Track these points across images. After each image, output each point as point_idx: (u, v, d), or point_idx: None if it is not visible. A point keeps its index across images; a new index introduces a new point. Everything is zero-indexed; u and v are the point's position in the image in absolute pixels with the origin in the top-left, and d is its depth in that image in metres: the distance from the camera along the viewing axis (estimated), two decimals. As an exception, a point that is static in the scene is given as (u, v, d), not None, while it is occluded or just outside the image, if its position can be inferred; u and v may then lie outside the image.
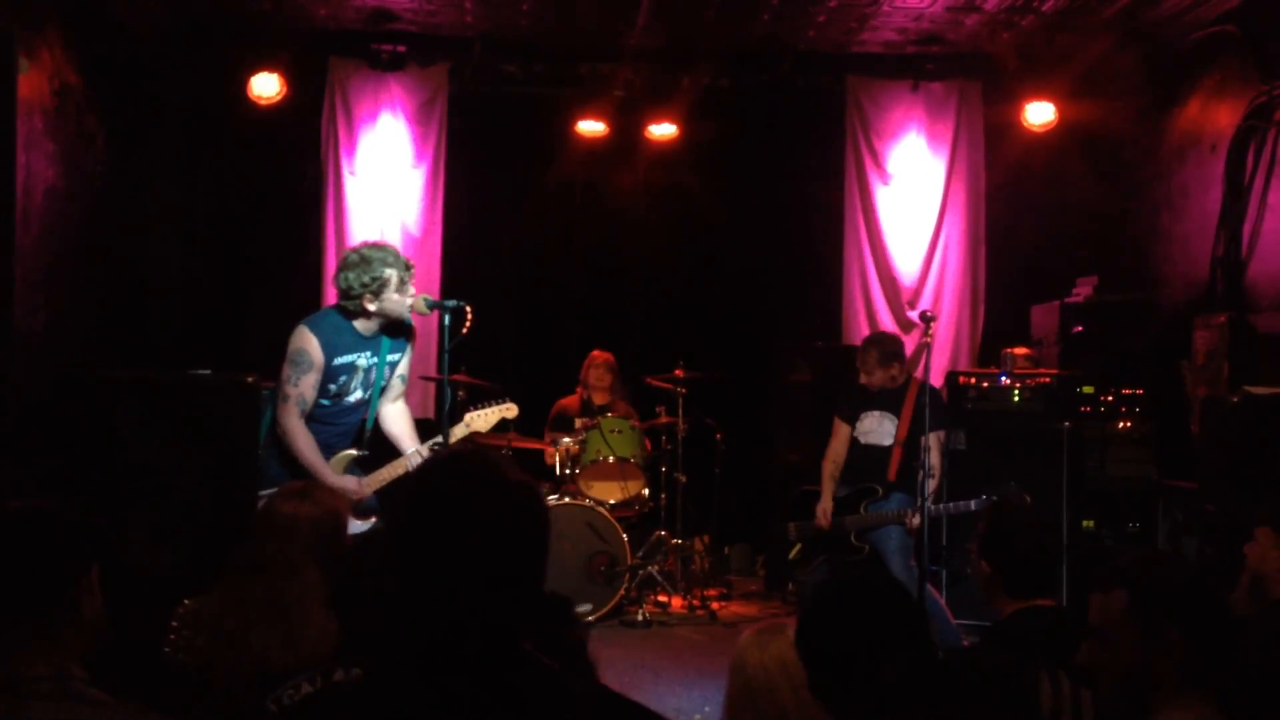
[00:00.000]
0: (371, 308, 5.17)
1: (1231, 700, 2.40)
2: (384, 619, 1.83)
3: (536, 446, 8.16)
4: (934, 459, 6.39)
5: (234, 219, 8.71)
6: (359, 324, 5.23)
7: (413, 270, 5.32)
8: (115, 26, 7.45)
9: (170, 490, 4.58)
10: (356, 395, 5.32)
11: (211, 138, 8.53)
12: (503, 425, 7.73)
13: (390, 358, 5.39)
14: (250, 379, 4.86)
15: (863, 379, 6.85)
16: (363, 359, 5.26)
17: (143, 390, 4.79)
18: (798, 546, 6.96)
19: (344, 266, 5.21)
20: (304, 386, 5.11)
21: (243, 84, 8.01)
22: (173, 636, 3.22)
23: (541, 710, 1.75)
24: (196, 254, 8.69)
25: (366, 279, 5.13)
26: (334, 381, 5.20)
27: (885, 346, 6.89)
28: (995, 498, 6.43)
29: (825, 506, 6.77)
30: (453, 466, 1.90)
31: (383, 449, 5.56)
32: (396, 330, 5.37)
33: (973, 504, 6.44)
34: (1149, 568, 2.55)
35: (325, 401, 5.22)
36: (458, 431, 5.59)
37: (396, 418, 5.55)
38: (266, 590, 3.21)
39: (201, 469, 4.67)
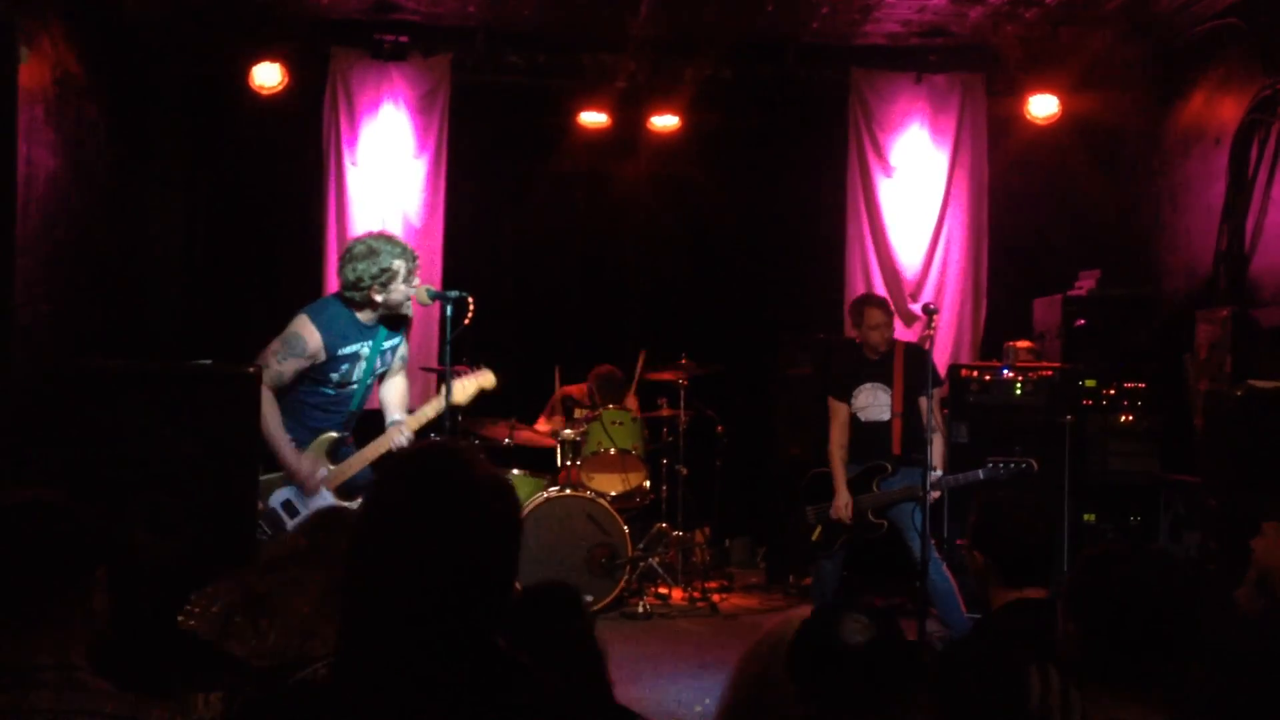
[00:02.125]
0: (379, 299, 5.17)
1: (1186, 705, 2.36)
2: (347, 617, 1.79)
3: (535, 440, 8.16)
4: (936, 418, 6.43)
5: (235, 209, 8.70)
6: (361, 315, 5.23)
7: (418, 261, 5.32)
8: (117, 15, 7.43)
9: (171, 481, 4.57)
10: (354, 384, 5.34)
11: (213, 128, 8.51)
12: (505, 412, 7.75)
13: (387, 344, 5.40)
14: (252, 370, 4.84)
15: (867, 335, 6.82)
16: (365, 348, 5.27)
17: (143, 381, 4.78)
18: (818, 529, 6.96)
19: (351, 258, 5.19)
20: (286, 367, 5.12)
21: (244, 74, 7.98)
22: (190, 607, 3.21)
23: (510, 707, 1.73)
24: (197, 244, 8.68)
25: (375, 270, 5.13)
26: (337, 371, 5.19)
27: (883, 299, 7.07)
28: (1001, 465, 6.47)
29: (844, 500, 6.75)
30: (413, 462, 1.88)
31: (369, 431, 5.58)
32: (395, 323, 5.37)
33: (980, 474, 6.50)
34: (1084, 559, 2.53)
35: (329, 391, 5.24)
36: (435, 405, 5.51)
37: (392, 387, 5.56)
38: (323, 580, 3.19)
39: (202, 460, 4.66)
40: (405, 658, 1.72)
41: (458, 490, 1.79)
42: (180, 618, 3.17)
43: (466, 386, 5.62)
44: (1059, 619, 2.50)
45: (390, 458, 1.69)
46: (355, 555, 1.81)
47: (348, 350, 5.19)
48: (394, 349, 5.48)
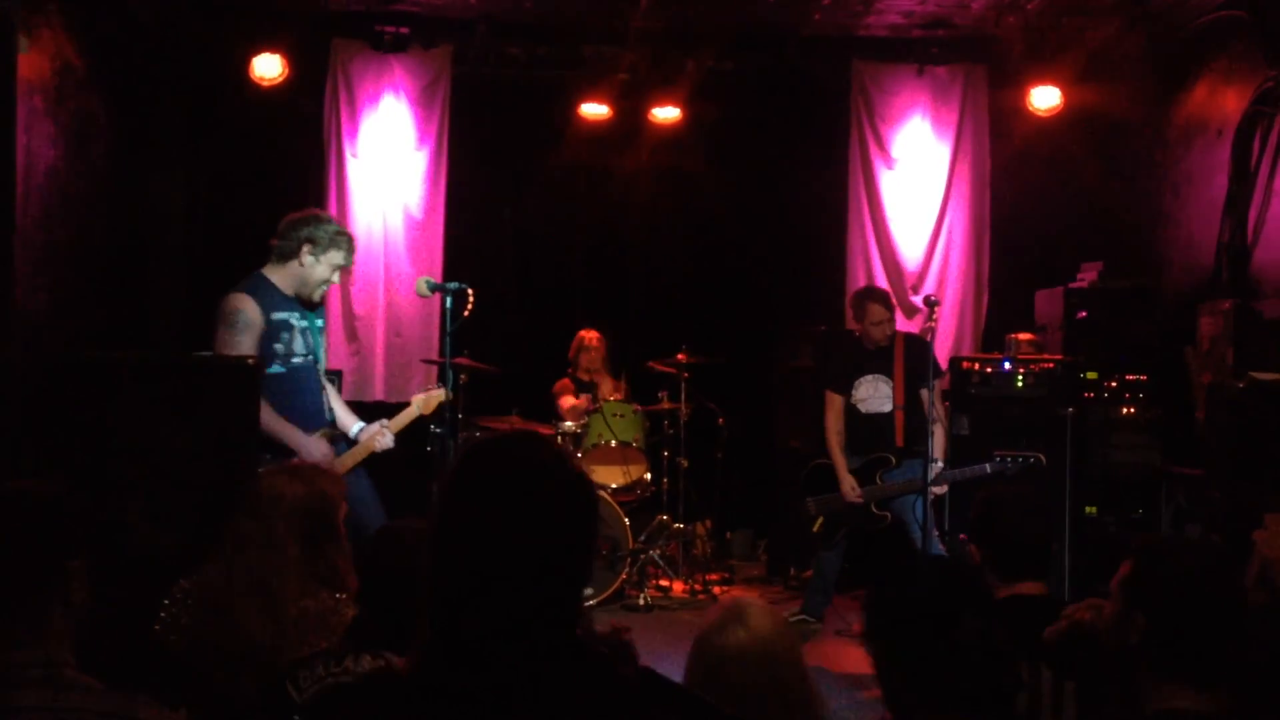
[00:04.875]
0: (306, 260, 5.27)
1: (1242, 691, 2.38)
2: (426, 609, 1.77)
3: (540, 430, 8.15)
4: (937, 409, 6.43)
5: (235, 200, 8.67)
6: (281, 282, 5.27)
7: (342, 244, 5.37)
8: (117, 6, 7.41)
9: (170, 472, 4.56)
10: (299, 357, 5.30)
11: (213, 119, 8.48)
12: (504, 409, 7.76)
13: (317, 323, 5.44)
14: (251, 360, 4.83)
15: (869, 330, 6.81)
16: (294, 318, 5.28)
17: (143, 372, 4.76)
18: (819, 520, 6.96)
19: (288, 223, 5.36)
20: (245, 344, 5.09)
21: (245, 65, 7.97)
22: (163, 614, 3.20)
23: (596, 699, 1.72)
24: (197, 235, 8.66)
25: (304, 234, 5.29)
26: (278, 340, 5.18)
27: (887, 293, 7.07)
28: (1009, 459, 6.46)
29: (850, 483, 6.75)
30: (500, 450, 1.83)
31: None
32: (310, 305, 5.42)
33: (987, 467, 6.49)
34: (1151, 547, 2.55)
35: (279, 368, 5.19)
36: (412, 411, 5.67)
37: (333, 398, 5.59)
38: (248, 567, 3.19)
39: (202, 451, 4.65)
40: (488, 649, 1.71)
41: (547, 479, 1.77)
42: (156, 628, 3.16)
43: (430, 399, 5.72)
44: (1112, 610, 2.50)
45: (472, 445, 1.66)
46: (438, 544, 1.78)
47: (280, 316, 5.21)
48: (321, 330, 5.50)
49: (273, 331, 5.17)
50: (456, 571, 1.75)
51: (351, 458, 5.34)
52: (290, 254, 5.28)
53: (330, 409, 5.50)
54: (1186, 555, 2.53)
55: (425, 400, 5.74)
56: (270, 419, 5.02)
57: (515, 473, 1.78)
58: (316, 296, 5.38)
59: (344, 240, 5.39)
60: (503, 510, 1.74)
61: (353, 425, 5.51)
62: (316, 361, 5.41)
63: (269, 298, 5.22)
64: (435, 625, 1.75)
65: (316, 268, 5.29)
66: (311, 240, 5.28)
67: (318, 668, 2.70)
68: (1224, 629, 2.39)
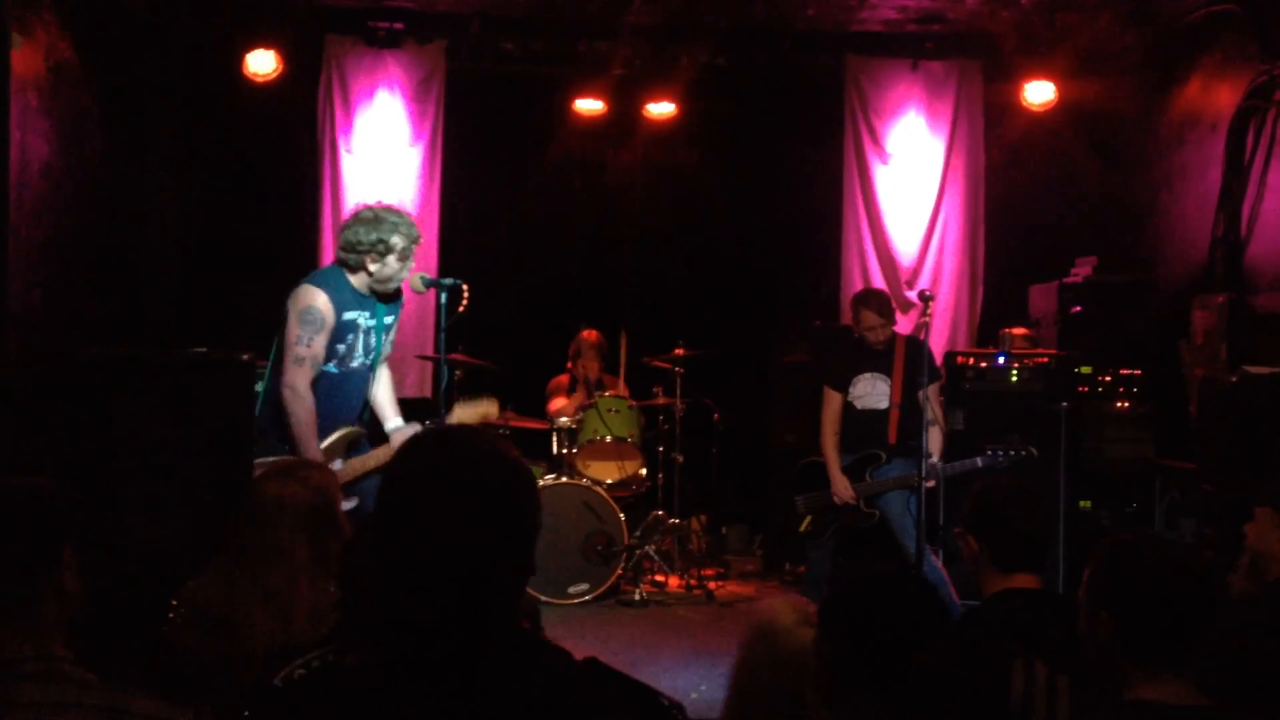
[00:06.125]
0: (372, 268, 5.15)
1: (1211, 679, 2.39)
2: (378, 601, 1.79)
3: (535, 426, 8.15)
4: (936, 411, 6.43)
5: (230, 197, 8.67)
6: (356, 281, 5.21)
7: (419, 243, 5.30)
8: (110, 2, 7.40)
9: (166, 469, 4.56)
10: (358, 360, 5.27)
11: (207, 115, 8.47)
12: (501, 403, 7.76)
13: (386, 320, 5.36)
14: (246, 357, 4.83)
15: (863, 335, 6.81)
16: (363, 319, 5.22)
17: (138, 369, 4.77)
18: (808, 519, 6.95)
19: (355, 221, 5.18)
20: (317, 346, 5.04)
21: (238, 61, 7.96)
22: (171, 615, 3.20)
23: (544, 689, 1.72)
24: (192, 232, 8.65)
25: (374, 238, 5.12)
26: (342, 341, 5.13)
27: (885, 298, 7.03)
28: (1000, 453, 6.47)
29: (842, 483, 6.75)
30: (432, 443, 1.85)
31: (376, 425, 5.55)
32: (388, 297, 5.35)
33: (979, 461, 6.49)
34: (1103, 546, 2.56)
35: (333, 369, 5.16)
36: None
37: (382, 382, 5.52)
38: (254, 574, 3.18)
39: (197, 447, 4.65)
40: (429, 641, 1.71)
41: (484, 468, 1.77)
42: (164, 629, 3.16)
43: (467, 413, 5.64)
44: (1081, 609, 2.52)
45: (407, 441, 1.68)
46: (378, 535, 1.79)
47: (349, 316, 5.15)
48: (391, 327, 5.44)
49: (339, 332, 5.12)
50: (395, 563, 1.75)
51: (374, 459, 5.24)
52: (358, 266, 5.19)
53: (370, 402, 5.47)
54: (1148, 551, 2.54)
55: (469, 413, 5.67)
56: (305, 425, 4.98)
57: (451, 462, 1.78)
58: (393, 288, 5.31)
59: (409, 229, 5.27)
60: (438, 500, 1.74)
61: (390, 420, 5.46)
62: (375, 363, 5.37)
63: (341, 294, 5.16)
64: (380, 617, 1.76)
65: (387, 268, 5.20)
66: (381, 249, 5.15)
67: (312, 661, 2.70)
68: (1190, 615, 2.40)
